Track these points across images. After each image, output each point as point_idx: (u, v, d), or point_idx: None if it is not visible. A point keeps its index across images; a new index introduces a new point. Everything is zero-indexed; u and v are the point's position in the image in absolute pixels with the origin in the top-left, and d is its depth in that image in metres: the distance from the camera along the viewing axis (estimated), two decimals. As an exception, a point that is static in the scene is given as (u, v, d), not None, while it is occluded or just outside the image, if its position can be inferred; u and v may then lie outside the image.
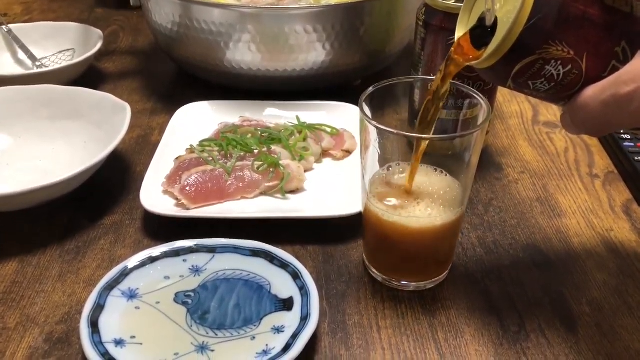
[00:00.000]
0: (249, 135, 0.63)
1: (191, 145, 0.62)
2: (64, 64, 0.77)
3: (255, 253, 0.49)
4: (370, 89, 0.45)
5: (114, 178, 0.62)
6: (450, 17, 0.55)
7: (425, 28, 0.58)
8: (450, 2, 0.56)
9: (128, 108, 0.61)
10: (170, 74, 0.84)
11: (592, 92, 0.36)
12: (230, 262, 0.49)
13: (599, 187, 0.61)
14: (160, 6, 0.71)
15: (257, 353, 0.42)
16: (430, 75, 0.60)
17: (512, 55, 0.37)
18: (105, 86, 0.80)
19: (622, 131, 0.65)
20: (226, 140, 0.61)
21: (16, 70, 0.82)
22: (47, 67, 0.81)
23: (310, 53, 0.68)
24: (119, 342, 0.42)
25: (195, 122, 0.67)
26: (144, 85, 0.80)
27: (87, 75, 0.80)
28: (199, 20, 0.68)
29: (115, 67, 0.86)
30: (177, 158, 0.60)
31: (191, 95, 0.74)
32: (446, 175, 0.48)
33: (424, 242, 0.47)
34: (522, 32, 0.36)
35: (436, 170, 0.48)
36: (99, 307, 0.44)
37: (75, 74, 0.77)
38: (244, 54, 0.69)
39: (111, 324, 0.43)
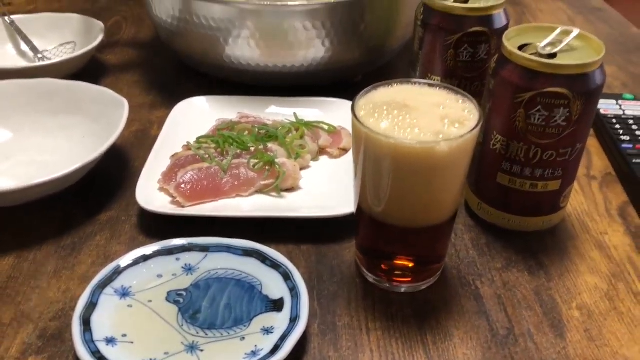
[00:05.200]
0: (246, 132, 0.63)
1: (188, 142, 0.62)
2: (65, 56, 0.78)
3: (247, 253, 0.49)
4: (363, 92, 0.45)
5: (111, 173, 0.62)
6: (447, 18, 0.55)
7: (423, 28, 0.58)
8: (448, 2, 0.55)
9: (126, 103, 0.61)
10: (172, 67, 0.84)
11: None
12: (223, 261, 0.49)
13: (596, 188, 0.61)
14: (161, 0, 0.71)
15: (245, 354, 0.42)
16: (428, 75, 0.60)
17: None
18: (106, 79, 0.80)
19: (620, 132, 0.65)
20: (222, 138, 0.61)
21: (18, 62, 0.82)
22: (49, 59, 0.82)
23: (310, 49, 0.68)
24: (110, 341, 0.43)
25: (194, 117, 0.67)
26: (144, 78, 0.81)
27: (88, 68, 0.80)
28: (198, 16, 0.68)
29: (117, 59, 0.86)
30: (173, 155, 0.60)
31: (192, 89, 0.74)
32: (462, 98, 0.44)
33: (423, 179, 0.42)
34: None
35: (448, 90, 0.45)
36: (91, 305, 0.45)
37: (76, 67, 0.77)
38: (244, 50, 0.69)
39: (103, 322, 0.44)
